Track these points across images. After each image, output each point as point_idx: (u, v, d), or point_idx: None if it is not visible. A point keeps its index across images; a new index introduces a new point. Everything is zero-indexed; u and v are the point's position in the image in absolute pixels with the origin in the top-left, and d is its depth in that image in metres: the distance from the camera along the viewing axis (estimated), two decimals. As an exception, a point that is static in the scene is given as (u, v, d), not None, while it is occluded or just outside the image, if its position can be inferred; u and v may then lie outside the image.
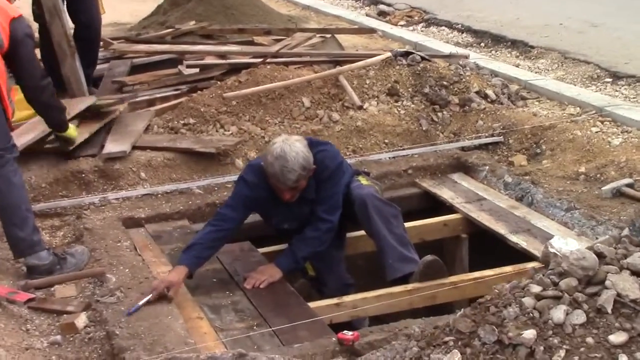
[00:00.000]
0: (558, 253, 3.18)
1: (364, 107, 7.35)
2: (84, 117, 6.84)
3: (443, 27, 11.52)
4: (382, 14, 12.66)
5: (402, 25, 11.92)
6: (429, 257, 5.18)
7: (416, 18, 12.20)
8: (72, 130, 6.11)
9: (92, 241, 5.59)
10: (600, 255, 3.12)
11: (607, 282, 2.98)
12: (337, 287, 5.44)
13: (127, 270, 5.17)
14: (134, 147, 6.72)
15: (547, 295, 2.99)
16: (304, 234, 5.29)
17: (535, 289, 3.08)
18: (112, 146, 6.64)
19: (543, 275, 3.15)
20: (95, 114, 6.91)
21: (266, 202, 5.29)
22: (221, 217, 5.20)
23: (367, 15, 12.69)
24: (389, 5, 13.08)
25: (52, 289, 5.03)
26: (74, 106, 6.70)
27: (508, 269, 5.30)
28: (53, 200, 6.21)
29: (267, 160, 5.03)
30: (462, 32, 11.11)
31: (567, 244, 3.28)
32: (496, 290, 3.16)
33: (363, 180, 5.50)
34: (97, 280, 5.08)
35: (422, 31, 11.55)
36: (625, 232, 3.52)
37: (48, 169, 6.39)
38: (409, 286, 5.14)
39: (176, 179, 6.60)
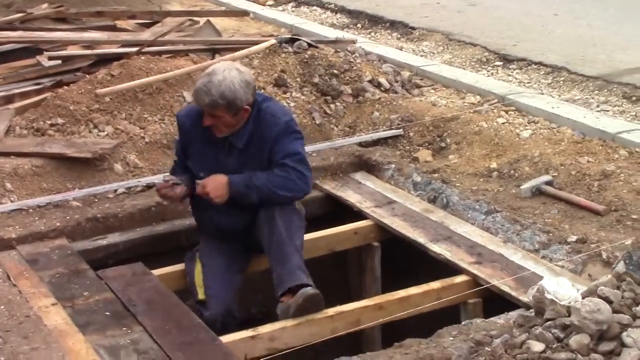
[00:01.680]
0: (555, 299, 2.68)
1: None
2: None
3: (315, 7, 10.99)
4: (248, -7, 11.98)
5: (270, 5, 11.31)
6: (310, 290, 4.54)
7: (285, -4, 11.62)
8: None
9: (-46, 272, 4.80)
10: (605, 301, 2.64)
11: (627, 339, 2.51)
12: (221, 315, 4.79)
13: (2, 307, 4.42)
14: (-4, 154, 5.92)
15: (559, 358, 2.48)
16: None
17: (537, 347, 2.58)
18: (-30, 154, 5.81)
19: (542, 328, 2.64)
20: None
21: (191, 136, 4.95)
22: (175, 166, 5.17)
23: (232, -6, 11.98)
24: (253, -17, 12.41)
25: None
26: None
27: (435, 284, 4.83)
28: None
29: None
30: (336, 12, 10.61)
31: (558, 284, 2.80)
32: (488, 349, 2.64)
33: None
34: (-33, 323, 4.32)
35: (292, 11, 10.98)
36: (621, 267, 3.06)
37: None
38: (330, 311, 4.58)
39: (47, 189, 5.82)
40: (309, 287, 4.56)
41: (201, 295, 4.85)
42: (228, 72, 4.68)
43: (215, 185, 4.77)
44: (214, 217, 4.97)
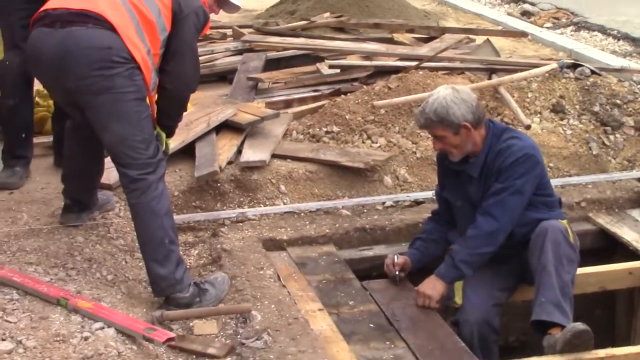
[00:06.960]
0: None
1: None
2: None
3: (595, 32, 10.58)
4: (525, 14, 11.78)
5: (548, 28, 11.04)
6: (579, 326, 4.34)
7: (564, 20, 11.31)
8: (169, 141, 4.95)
9: (231, 266, 4.96)
10: None
11: None
12: (477, 322, 4.69)
13: (272, 306, 4.52)
14: (273, 156, 6.09)
15: None
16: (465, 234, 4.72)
17: None
18: (250, 153, 6.02)
19: None
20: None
21: (443, 166, 4.98)
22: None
23: (508, 14, 11.82)
24: (532, 4, 12.18)
25: (190, 323, 4.42)
26: (213, 115, 6.10)
27: None
28: (186, 212, 5.64)
29: None
30: (619, 39, 10.15)
31: None
32: None
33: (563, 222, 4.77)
34: (240, 316, 4.45)
35: (571, 35, 10.64)
36: None
37: (181, 176, 5.82)
38: (601, 352, 4.35)
39: (318, 195, 5.95)
40: (579, 323, 4.37)
41: (458, 300, 4.80)
42: (444, 91, 4.66)
43: (428, 286, 4.73)
44: None
